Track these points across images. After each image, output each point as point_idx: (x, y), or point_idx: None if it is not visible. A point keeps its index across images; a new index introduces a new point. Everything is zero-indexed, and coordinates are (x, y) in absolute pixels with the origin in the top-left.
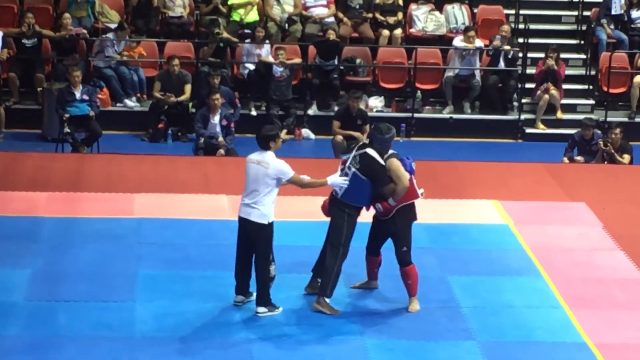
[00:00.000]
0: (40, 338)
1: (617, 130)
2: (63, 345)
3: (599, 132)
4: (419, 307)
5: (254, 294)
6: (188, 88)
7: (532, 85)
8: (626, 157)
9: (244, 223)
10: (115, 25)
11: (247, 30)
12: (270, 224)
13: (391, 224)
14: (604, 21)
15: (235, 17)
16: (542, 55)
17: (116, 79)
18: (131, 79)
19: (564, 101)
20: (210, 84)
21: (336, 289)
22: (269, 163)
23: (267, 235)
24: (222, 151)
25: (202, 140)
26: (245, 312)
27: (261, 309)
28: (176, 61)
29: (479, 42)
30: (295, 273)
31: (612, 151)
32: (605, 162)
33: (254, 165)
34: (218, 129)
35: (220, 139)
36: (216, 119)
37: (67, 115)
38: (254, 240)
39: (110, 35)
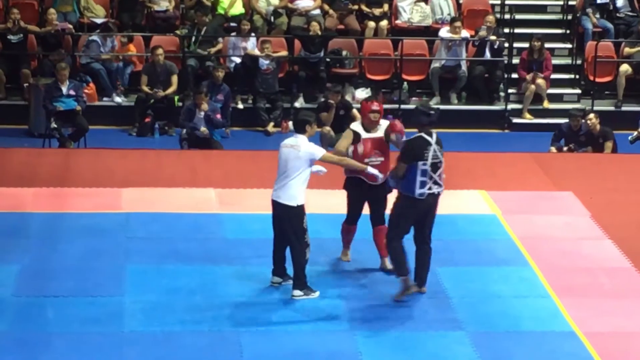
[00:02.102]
0: (29, 334)
1: (592, 116)
2: (51, 341)
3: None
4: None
5: (291, 278)
6: (175, 79)
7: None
8: (608, 145)
9: (275, 206)
10: (101, 20)
11: (232, 24)
12: (300, 206)
13: (381, 189)
14: (589, 10)
15: (220, 10)
16: (528, 45)
17: (105, 72)
18: (123, 72)
19: (550, 91)
20: (214, 77)
21: (323, 280)
22: (300, 146)
23: (297, 217)
24: (205, 130)
25: (184, 131)
26: (235, 304)
27: (297, 292)
28: (160, 50)
29: (464, 33)
30: (289, 265)
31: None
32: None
33: (286, 149)
34: (203, 123)
35: (203, 128)
36: (202, 113)
37: (60, 108)
38: (285, 223)
39: (95, 37)
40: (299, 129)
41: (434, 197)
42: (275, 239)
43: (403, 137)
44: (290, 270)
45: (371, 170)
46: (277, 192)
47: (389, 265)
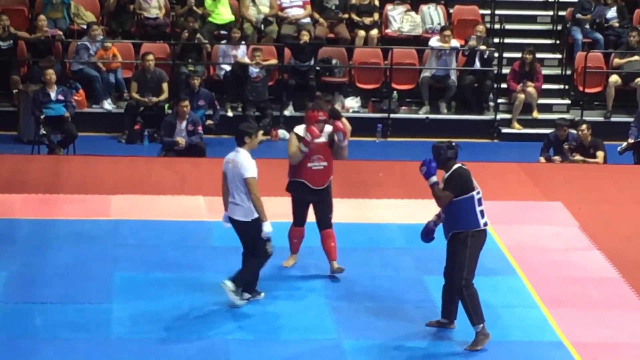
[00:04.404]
0: (16, 340)
1: (584, 127)
2: (39, 348)
3: (574, 132)
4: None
5: (262, 294)
6: (165, 86)
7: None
8: (600, 155)
9: (232, 221)
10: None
11: (223, 32)
12: (256, 219)
13: (325, 192)
14: (579, 16)
15: (211, 18)
16: (518, 55)
17: (99, 80)
18: (107, 80)
19: (540, 101)
20: (191, 86)
21: (311, 288)
22: (237, 161)
23: (255, 230)
24: (182, 141)
25: (163, 153)
26: (223, 312)
27: (229, 284)
28: (150, 56)
29: (454, 42)
30: (271, 273)
31: (581, 158)
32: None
33: (229, 165)
34: (184, 134)
35: (180, 139)
36: (183, 124)
37: (42, 117)
38: (245, 237)
39: (84, 40)
40: (239, 141)
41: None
42: (244, 256)
43: (346, 138)
44: (259, 286)
45: (266, 228)
46: (232, 207)
47: (336, 266)
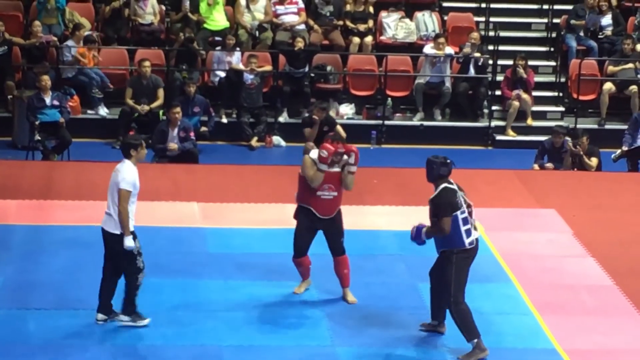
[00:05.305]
0: (10, 346)
1: (584, 139)
2: (33, 354)
3: (569, 139)
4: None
5: (118, 314)
6: (161, 93)
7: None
8: (594, 160)
9: (102, 232)
10: (87, 32)
11: (217, 38)
12: (131, 232)
13: (335, 219)
14: (574, 22)
15: (206, 25)
16: (512, 62)
17: (97, 82)
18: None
19: (534, 108)
20: (186, 92)
21: (306, 296)
22: (119, 172)
23: (121, 245)
24: (174, 146)
25: (156, 159)
26: (217, 318)
27: (124, 317)
28: (147, 63)
29: (449, 50)
30: (266, 280)
31: (581, 153)
32: (575, 169)
33: (113, 174)
34: (176, 140)
35: (173, 145)
36: (175, 131)
37: (37, 122)
38: (115, 249)
39: (68, 42)
40: (125, 153)
41: (478, 243)
42: (103, 267)
43: (356, 163)
44: (117, 306)
45: (127, 243)
46: (104, 217)
47: (350, 296)
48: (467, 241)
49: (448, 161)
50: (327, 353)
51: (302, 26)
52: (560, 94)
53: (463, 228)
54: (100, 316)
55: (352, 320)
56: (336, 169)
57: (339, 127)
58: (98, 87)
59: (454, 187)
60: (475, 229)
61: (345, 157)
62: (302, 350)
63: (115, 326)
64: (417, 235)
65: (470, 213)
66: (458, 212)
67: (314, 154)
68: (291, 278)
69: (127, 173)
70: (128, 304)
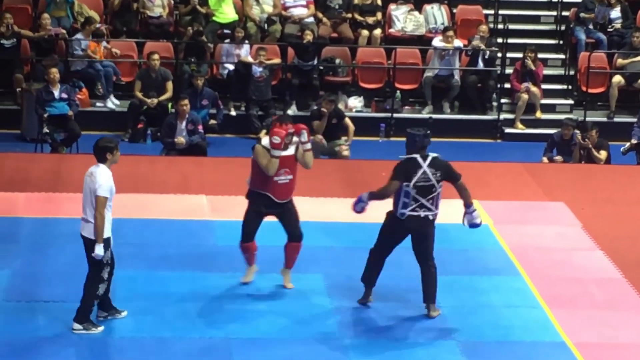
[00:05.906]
0: (18, 339)
1: (593, 132)
2: (41, 346)
3: (578, 132)
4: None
5: (123, 312)
6: (170, 85)
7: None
8: (603, 153)
9: (82, 239)
10: (97, 25)
11: (226, 31)
12: (104, 240)
13: (289, 204)
14: (583, 15)
15: (215, 18)
16: (521, 55)
17: (107, 74)
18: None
19: (543, 101)
20: (195, 85)
21: (315, 289)
22: (95, 178)
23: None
24: (182, 140)
25: (165, 152)
26: (225, 311)
27: (77, 326)
28: (156, 56)
29: (457, 42)
30: (275, 272)
31: (590, 146)
32: (583, 162)
33: (87, 178)
34: (184, 133)
35: (181, 138)
36: (183, 124)
37: (45, 115)
38: (87, 255)
39: (78, 35)
40: (100, 157)
41: (419, 221)
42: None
43: (290, 134)
44: (116, 302)
45: (97, 251)
46: (81, 223)
47: (288, 281)
48: (398, 211)
49: (428, 132)
50: (336, 345)
51: (311, 19)
52: (570, 87)
53: (402, 199)
54: (101, 312)
55: (362, 313)
56: (290, 152)
57: (347, 120)
58: (107, 80)
59: (422, 161)
60: (425, 208)
61: (295, 137)
62: (310, 343)
63: (124, 318)
64: (356, 202)
65: (424, 191)
66: (404, 184)
67: (265, 141)
68: (301, 270)
69: (103, 179)
70: (82, 312)
